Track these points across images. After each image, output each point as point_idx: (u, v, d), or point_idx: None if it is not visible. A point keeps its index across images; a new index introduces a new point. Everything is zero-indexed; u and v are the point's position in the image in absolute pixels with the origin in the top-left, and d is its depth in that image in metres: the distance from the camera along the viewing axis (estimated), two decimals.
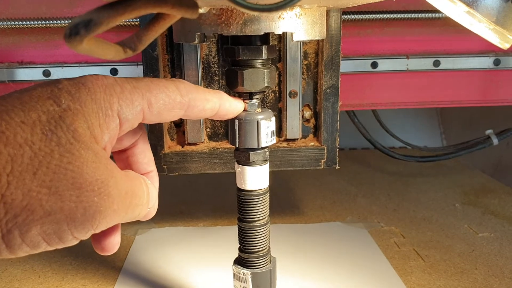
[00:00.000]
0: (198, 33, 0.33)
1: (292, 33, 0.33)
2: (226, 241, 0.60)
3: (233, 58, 0.36)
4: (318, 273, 0.52)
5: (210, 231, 0.64)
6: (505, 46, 0.28)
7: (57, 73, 0.58)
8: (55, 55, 0.58)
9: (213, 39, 0.43)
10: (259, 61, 0.36)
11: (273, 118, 0.38)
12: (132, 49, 0.23)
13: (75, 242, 0.27)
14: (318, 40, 0.49)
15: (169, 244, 0.60)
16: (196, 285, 0.51)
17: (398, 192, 0.78)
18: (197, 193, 0.79)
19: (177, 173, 0.50)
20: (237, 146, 0.38)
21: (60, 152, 0.24)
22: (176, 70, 0.50)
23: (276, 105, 0.52)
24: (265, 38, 0.36)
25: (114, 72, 0.58)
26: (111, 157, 0.31)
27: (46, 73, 0.57)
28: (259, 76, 0.36)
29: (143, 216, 0.32)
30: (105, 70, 0.58)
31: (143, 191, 0.31)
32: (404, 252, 0.57)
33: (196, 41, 0.33)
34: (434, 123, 1.16)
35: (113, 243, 0.33)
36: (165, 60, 0.49)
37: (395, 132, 0.79)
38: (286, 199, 0.75)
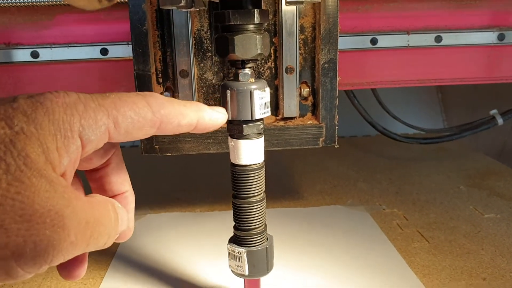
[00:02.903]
0: None
1: None
2: (223, 226, 0.58)
3: (223, 24, 0.34)
4: (319, 256, 0.51)
5: (207, 217, 0.62)
6: None
7: (46, 54, 0.56)
8: (44, 35, 0.56)
9: (203, 7, 0.41)
10: (251, 26, 0.34)
11: (267, 89, 0.36)
12: None
13: (30, 276, 0.24)
14: (314, 10, 0.47)
15: (165, 230, 0.58)
16: (192, 270, 0.49)
17: (400, 176, 0.76)
18: (194, 178, 0.77)
19: (169, 154, 0.48)
20: (230, 118, 0.36)
21: (8, 180, 0.22)
22: (167, 47, 0.48)
23: (272, 82, 0.50)
24: (257, 1, 0.34)
25: (104, 52, 0.56)
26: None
27: (34, 54, 0.55)
28: (251, 42, 0.34)
29: (111, 243, 0.29)
30: (95, 50, 0.55)
31: (110, 218, 0.28)
32: (407, 233, 0.55)
33: (183, 3, 0.31)
34: (436, 108, 1.14)
35: (78, 272, 0.31)
36: (155, 36, 0.47)
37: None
38: (286, 184, 0.73)
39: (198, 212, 0.63)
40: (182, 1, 0.31)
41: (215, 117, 0.33)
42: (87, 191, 0.34)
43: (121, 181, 0.34)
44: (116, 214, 0.30)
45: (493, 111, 0.71)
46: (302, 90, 0.51)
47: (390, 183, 0.73)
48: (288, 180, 0.75)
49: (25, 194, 0.22)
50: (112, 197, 0.34)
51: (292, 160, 0.83)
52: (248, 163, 0.37)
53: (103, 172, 0.33)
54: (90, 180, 0.34)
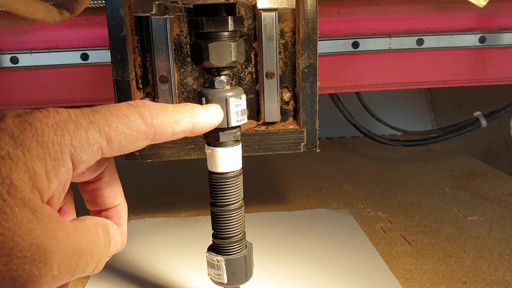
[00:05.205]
0: (156, 2, 0.31)
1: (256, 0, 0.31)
2: (209, 230, 0.58)
3: (197, 31, 0.34)
4: (300, 261, 0.50)
5: (191, 222, 0.62)
6: (480, 3, 0.26)
7: (25, 59, 0.55)
8: (24, 41, 0.55)
9: (180, 14, 0.41)
10: (225, 33, 0.34)
11: (244, 96, 0.36)
12: (69, 10, 0.21)
13: None
14: (294, 15, 0.47)
15: (149, 235, 0.58)
16: (177, 277, 0.49)
17: (386, 178, 0.76)
18: (178, 182, 0.77)
19: (150, 160, 0.48)
20: None
21: None
22: (147, 52, 0.47)
23: (253, 87, 0.50)
24: (231, 8, 0.34)
25: (84, 57, 0.55)
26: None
27: (14, 60, 0.55)
28: (226, 50, 0.34)
29: (100, 269, 0.28)
30: (75, 55, 0.55)
31: (99, 245, 0.27)
32: (390, 237, 0.55)
33: (154, 11, 0.31)
34: (424, 108, 1.14)
35: None
36: (134, 41, 0.47)
37: (385, 120, 0.77)
38: (271, 187, 0.73)
39: (183, 217, 0.63)
40: (154, 9, 0.31)
41: (211, 119, 0.33)
42: (80, 202, 0.34)
43: (113, 195, 0.33)
44: (108, 239, 0.29)
45: (477, 113, 0.71)
46: (284, 94, 0.50)
47: (376, 185, 0.73)
48: (274, 183, 0.75)
49: (5, 225, 0.22)
50: (105, 210, 0.33)
51: (278, 162, 0.83)
52: (225, 171, 0.36)
53: (95, 185, 0.32)
54: (82, 192, 0.33)
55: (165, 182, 0.77)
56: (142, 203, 0.68)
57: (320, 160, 0.86)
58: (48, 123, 0.24)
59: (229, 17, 0.33)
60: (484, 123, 0.70)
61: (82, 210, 0.33)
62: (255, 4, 0.31)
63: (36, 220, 0.23)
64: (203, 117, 0.32)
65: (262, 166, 0.81)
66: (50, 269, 0.23)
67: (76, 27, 0.55)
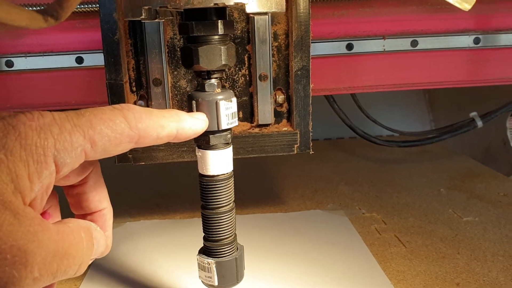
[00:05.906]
0: (145, 7, 0.31)
1: (245, 4, 0.31)
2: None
3: (187, 35, 0.34)
4: (293, 262, 0.51)
5: (187, 224, 0.62)
6: (465, 7, 0.26)
7: (20, 63, 0.55)
8: (18, 44, 0.56)
9: (171, 18, 0.41)
10: (216, 37, 0.34)
11: (234, 99, 0.36)
12: (54, 17, 0.21)
13: None
14: (287, 17, 0.47)
15: (144, 238, 0.58)
16: (172, 279, 0.49)
17: (382, 179, 0.76)
18: (174, 186, 0.77)
19: (143, 163, 0.48)
20: None
21: None
22: (140, 55, 0.48)
23: (247, 89, 0.50)
24: (221, 12, 0.34)
25: (79, 60, 0.55)
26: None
27: (9, 63, 0.55)
28: (215, 53, 0.34)
29: (82, 271, 0.28)
30: (70, 59, 0.55)
31: (81, 248, 0.27)
32: (384, 238, 0.55)
33: (143, 16, 0.31)
34: (423, 110, 1.14)
35: None
36: (127, 44, 0.47)
37: (383, 121, 0.77)
38: (267, 189, 0.73)
39: (178, 219, 0.63)
40: (143, 14, 0.31)
41: (195, 126, 0.33)
42: (65, 206, 0.34)
43: (98, 199, 0.33)
44: (91, 241, 0.29)
45: (473, 114, 0.71)
46: (277, 97, 0.51)
47: (372, 186, 0.73)
48: (270, 184, 0.75)
49: None
50: (90, 214, 0.33)
51: (274, 163, 0.83)
52: (215, 174, 0.37)
53: (80, 189, 0.32)
54: (67, 196, 0.33)
55: (161, 185, 0.77)
56: (137, 205, 0.68)
57: (316, 161, 0.86)
58: (31, 126, 0.25)
59: (219, 21, 0.33)
60: (480, 123, 0.70)
61: (67, 214, 0.33)
62: (244, 8, 0.31)
63: (17, 222, 0.23)
64: (187, 123, 0.32)
65: (257, 167, 0.81)
66: (31, 271, 0.23)
67: (71, 31, 0.55)
